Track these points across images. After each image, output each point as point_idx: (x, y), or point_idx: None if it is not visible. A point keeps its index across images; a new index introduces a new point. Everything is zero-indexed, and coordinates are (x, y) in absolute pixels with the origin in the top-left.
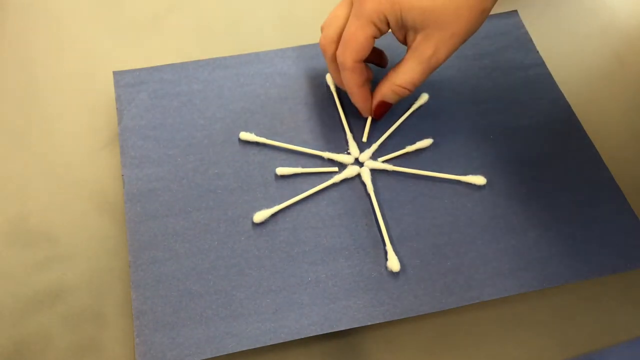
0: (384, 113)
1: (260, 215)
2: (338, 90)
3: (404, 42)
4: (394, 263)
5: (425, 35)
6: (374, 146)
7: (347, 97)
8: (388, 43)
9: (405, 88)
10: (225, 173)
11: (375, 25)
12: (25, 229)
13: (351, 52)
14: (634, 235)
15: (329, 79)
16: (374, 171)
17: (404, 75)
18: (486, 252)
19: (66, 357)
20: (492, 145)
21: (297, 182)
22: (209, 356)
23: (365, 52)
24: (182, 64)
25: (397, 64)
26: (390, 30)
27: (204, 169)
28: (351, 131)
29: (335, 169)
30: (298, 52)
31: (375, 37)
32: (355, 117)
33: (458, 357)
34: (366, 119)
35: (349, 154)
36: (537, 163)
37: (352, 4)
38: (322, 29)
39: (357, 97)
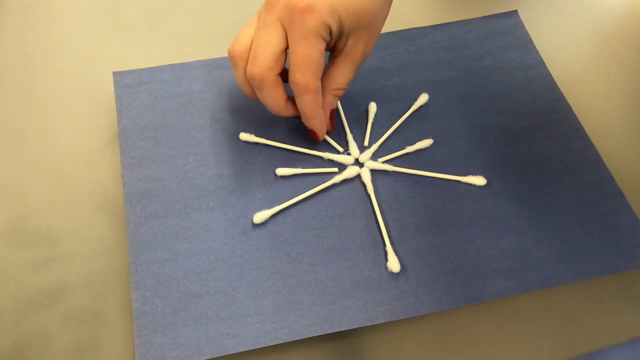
0: (334, 121)
1: (260, 216)
2: None
3: (329, 49)
4: (394, 263)
5: (355, 37)
6: (374, 146)
7: (347, 98)
8: None
9: (343, 89)
10: (225, 173)
11: (323, 39)
12: (25, 229)
13: (313, 73)
14: (634, 235)
15: None
16: (374, 171)
17: (340, 79)
18: (486, 252)
19: (66, 357)
20: (492, 145)
21: (297, 182)
22: (209, 357)
23: (322, 69)
24: (182, 64)
25: (327, 70)
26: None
27: (204, 169)
28: (351, 132)
29: (335, 169)
30: None
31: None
32: (355, 117)
33: (458, 357)
34: (367, 120)
35: (349, 154)
36: (537, 163)
37: (280, 27)
38: (243, 58)
39: (320, 118)
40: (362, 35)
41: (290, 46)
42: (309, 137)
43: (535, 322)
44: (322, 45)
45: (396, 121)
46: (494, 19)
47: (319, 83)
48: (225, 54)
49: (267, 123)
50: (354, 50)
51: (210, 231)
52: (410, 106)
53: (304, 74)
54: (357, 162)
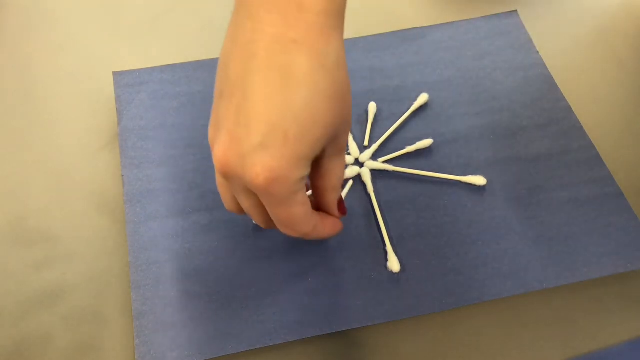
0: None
1: None
2: None
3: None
4: (394, 263)
5: (334, 142)
6: (374, 146)
7: None
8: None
9: (341, 182)
10: None
11: (301, 189)
12: (25, 229)
13: (303, 225)
14: (634, 235)
15: None
16: (374, 171)
17: (334, 176)
18: (486, 252)
19: (66, 357)
20: (492, 146)
21: None
22: (209, 357)
23: (310, 210)
24: (182, 64)
25: (317, 171)
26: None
27: (204, 169)
28: (351, 132)
29: None
30: None
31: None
32: (355, 117)
33: (458, 358)
34: (367, 120)
35: (349, 154)
36: (537, 163)
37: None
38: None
39: (333, 225)
40: (340, 135)
41: (267, 209)
42: None
43: (536, 322)
44: (302, 197)
45: (396, 121)
46: (494, 19)
47: (313, 219)
48: None
49: None
50: (336, 148)
51: (210, 231)
52: (410, 106)
53: (294, 230)
54: (357, 162)
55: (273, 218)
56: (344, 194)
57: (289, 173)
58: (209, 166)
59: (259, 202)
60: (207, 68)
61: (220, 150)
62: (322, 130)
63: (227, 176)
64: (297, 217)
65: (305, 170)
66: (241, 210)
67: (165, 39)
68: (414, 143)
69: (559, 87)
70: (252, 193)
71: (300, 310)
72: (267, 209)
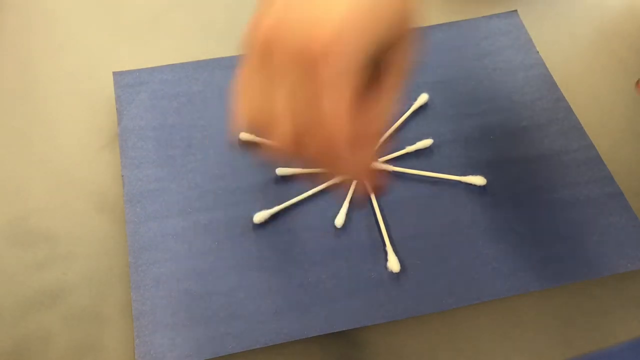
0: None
1: (260, 216)
2: None
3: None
4: (394, 264)
5: (396, 49)
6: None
7: None
8: None
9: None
10: (225, 173)
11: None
12: (25, 229)
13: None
14: (634, 235)
15: None
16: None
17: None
18: (486, 252)
19: (66, 357)
20: (492, 145)
21: (297, 182)
22: (209, 357)
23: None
24: (182, 64)
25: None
26: None
27: (204, 169)
28: None
29: None
30: None
31: None
32: None
33: (458, 357)
34: None
35: None
36: (537, 163)
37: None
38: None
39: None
40: (402, 39)
41: (309, 94)
42: None
43: (535, 322)
44: (353, 89)
45: (396, 121)
46: (494, 19)
47: (351, 133)
48: (225, 54)
49: None
50: (397, 65)
51: (210, 231)
52: (410, 106)
53: (329, 141)
54: None
55: (309, 114)
56: (345, 198)
57: (349, 47)
58: (209, 166)
59: (296, 90)
60: (207, 68)
61: (273, 17)
62: (386, 22)
63: (277, 42)
64: (342, 111)
65: (364, 55)
66: (258, 118)
67: (165, 39)
68: (414, 143)
69: (559, 87)
70: (293, 74)
71: (300, 310)
72: (310, 94)
